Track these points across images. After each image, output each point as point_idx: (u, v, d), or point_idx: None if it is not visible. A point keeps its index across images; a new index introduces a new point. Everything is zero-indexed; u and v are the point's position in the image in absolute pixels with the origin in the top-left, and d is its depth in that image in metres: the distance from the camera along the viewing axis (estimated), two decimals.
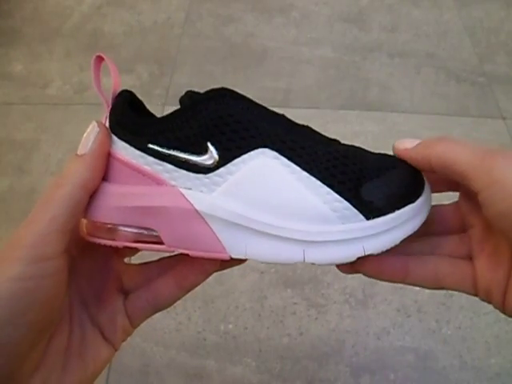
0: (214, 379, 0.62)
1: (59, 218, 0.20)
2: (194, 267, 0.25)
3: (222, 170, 0.22)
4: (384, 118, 0.88)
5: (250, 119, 0.22)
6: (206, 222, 0.22)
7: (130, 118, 0.24)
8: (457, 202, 0.26)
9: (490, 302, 0.23)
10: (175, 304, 0.72)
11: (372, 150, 0.26)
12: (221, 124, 0.22)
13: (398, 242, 0.23)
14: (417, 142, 0.23)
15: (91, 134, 0.22)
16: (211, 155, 0.22)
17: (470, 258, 0.24)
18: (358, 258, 0.22)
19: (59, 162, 0.85)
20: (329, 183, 0.22)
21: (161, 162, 0.22)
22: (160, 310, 0.27)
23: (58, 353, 0.21)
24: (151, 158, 0.22)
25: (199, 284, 0.26)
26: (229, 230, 0.22)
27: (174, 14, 1.13)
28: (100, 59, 0.24)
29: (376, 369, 0.62)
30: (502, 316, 0.72)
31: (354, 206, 0.22)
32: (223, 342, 0.64)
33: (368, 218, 0.22)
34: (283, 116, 0.25)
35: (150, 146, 0.22)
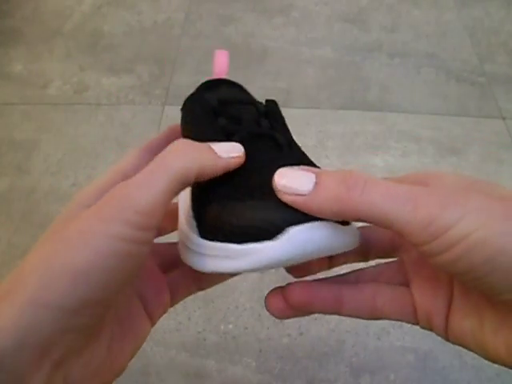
0: (214, 379, 0.62)
1: (169, 195, 0.19)
2: None
3: None
4: (384, 118, 0.88)
5: None
6: None
7: None
8: None
9: (431, 330, 0.22)
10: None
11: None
12: None
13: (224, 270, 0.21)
14: (312, 179, 0.19)
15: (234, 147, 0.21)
16: None
17: (408, 284, 0.22)
18: (287, 287, 0.22)
19: (59, 162, 0.86)
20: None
21: None
22: (203, 289, 0.27)
23: (113, 320, 0.21)
24: None
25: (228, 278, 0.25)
26: None
27: (174, 14, 1.13)
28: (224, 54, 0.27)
29: (376, 369, 0.62)
30: None
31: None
32: (223, 342, 0.64)
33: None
34: None
35: None
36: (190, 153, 0.20)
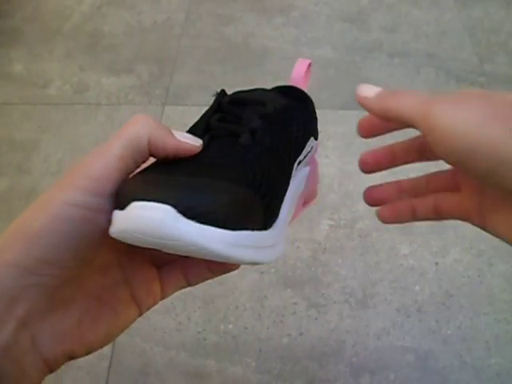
0: (214, 379, 0.62)
1: (124, 159, 0.20)
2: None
3: None
4: None
5: None
6: None
7: None
8: None
9: (474, 224, 0.25)
10: (175, 304, 0.72)
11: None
12: None
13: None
14: (378, 90, 0.25)
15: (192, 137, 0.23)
16: None
17: (457, 189, 0.27)
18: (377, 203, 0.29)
19: (59, 162, 0.86)
20: None
21: None
22: (191, 285, 0.27)
23: (91, 296, 0.23)
24: None
25: (228, 272, 0.26)
26: None
27: (174, 14, 1.13)
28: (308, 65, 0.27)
29: (376, 369, 0.62)
30: (502, 316, 0.72)
31: None
32: (223, 342, 0.64)
33: None
34: None
35: None
36: (144, 122, 0.21)
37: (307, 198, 0.30)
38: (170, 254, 0.22)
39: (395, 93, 0.24)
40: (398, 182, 0.29)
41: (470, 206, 0.25)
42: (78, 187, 0.19)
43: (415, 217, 0.28)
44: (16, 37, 1.08)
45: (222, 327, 0.66)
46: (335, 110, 0.89)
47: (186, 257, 0.25)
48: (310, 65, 0.28)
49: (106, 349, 0.64)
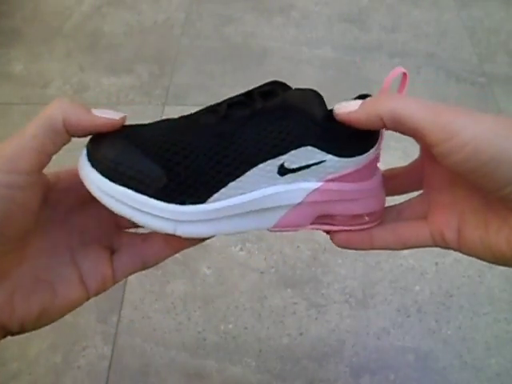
0: (214, 379, 0.62)
1: (38, 138, 0.22)
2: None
3: None
4: None
5: None
6: None
7: None
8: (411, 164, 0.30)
9: (446, 246, 0.26)
10: (175, 304, 0.72)
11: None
12: None
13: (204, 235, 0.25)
14: (358, 102, 0.25)
15: (113, 113, 0.25)
16: None
17: (425, 217, 0.27)
18: (329, 232, 0.28)
19: (59, 162, 0.85)
20: None
21: None
22: (147, 268, 0.28)
23: (28, 273, 0.23)
24: None
25: (187, 247, 0.28)
26: None
27: (174, 14, 1.13)
28: (405, 76, 0.26)
29: (376, 369, 0.62)
30: (502, 316, 0.72)
31: None
32: (223, 342, 0.64)
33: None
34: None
35: None
36: (59, 105, 0.23)
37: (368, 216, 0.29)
38: (125, 237, 0.27)
39: (390, 97, 0.23)
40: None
41: (443, 224, 0.26)
42: None
43: (373, 245, 0.28)
44: (16, 37, 1.08)
45: (222, 327, 0.66)
46: None
47: (143, 238, 0.28)
48: (404, 75, 0.26)
49: (106, 349, 0.64)
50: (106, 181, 0.23)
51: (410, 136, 0.23)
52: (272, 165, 0.25)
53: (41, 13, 1.14)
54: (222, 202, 0.25)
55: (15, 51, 1.05)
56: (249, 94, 0.27)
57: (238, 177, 0.24)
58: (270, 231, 0.27)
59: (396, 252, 0.72)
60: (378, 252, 0.77)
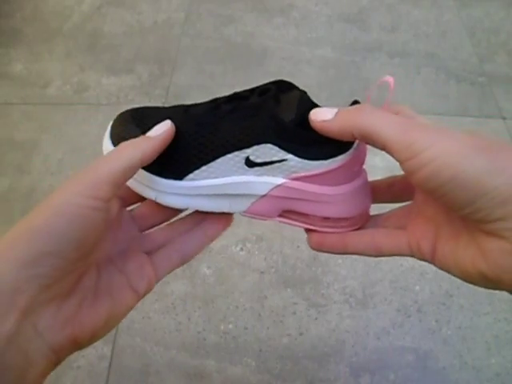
0: (214, 379, 0.62)
1: (115, 173, 0.24)
2: (219, 221, 0.30)
3: None
4: None
5: None
6: None
7: None
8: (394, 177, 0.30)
9: (423, 258, 0.26)
10: (175, 304, 0.72)
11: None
12: None
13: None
14: (334, 111, 0.25)
15: (161, 125, 0.28)
16: None
17: (404, 227, 0.27)
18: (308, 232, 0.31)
19: (59, 162, 0.86)
20: None
21: None
22: (186, 262, 0.31)
23: (89, 286, 0.25)
24: None
25: (220, 235, 0.30)
26: None
27: (174, 14, 1.13)
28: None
29: (376, 369, 0.62)
30: (502, 316, 0.72)
31: None
32: (223, 342, 0.64)
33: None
34: None
35: None
36: (133, 146, 0.26)
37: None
38: (158, 238, 0.31)
39: (360, 111, 0.24)
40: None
41: (420, 236, 0.26)
42: (78, 193, 0.23)
43: (346, 249, 0.28)
44: (16, 37, 1.08)
45: (222, 327, 0.66)
46: None
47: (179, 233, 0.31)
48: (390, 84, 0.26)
49: (106, 349, 0.64)
50: (111, 146, 0.31)
51: (380, 149, 0.24)
52: (239, 156, 0.27)
53: (41, 13, 1.14)
54: (196, 181, 0.28)
55: (15, 51, 1.05)
56: (252, 91, 0.29)
57: (209, 162, 0.28)
58: (242, 215, 0.30)
59: None
60: None
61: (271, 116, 0.27)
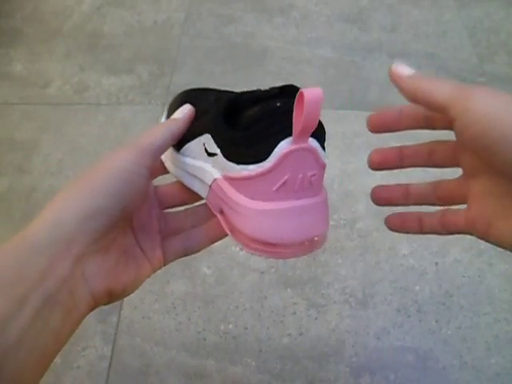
0: (214, 379, 0.62)
1: (154, 146, 0.28)
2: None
3: None
4: None
5: None
6: None
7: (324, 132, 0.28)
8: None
9: (476, 235, 0.26)
10: (175, 304, 0.72)
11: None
12: None
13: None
14: (411, 72, 0.27)
15: (183, 108, 0.31)
16: None
17: (466, 199, 0.27)
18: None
19: (59, 162, 0.86)
20: None
21: None
22: (189, 255, 0.33)
23: (124, 246, 0.28)
24: None
25: (224, 237, 0.32)
26: None
27: (174, 14, 1.13)
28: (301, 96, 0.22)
29: (376, 369, 0.62)
30: (502, 316, 0.72)
31: None
32: (223, 342, 0.64)
33: None
34: None
35: None
36: (161, 132, 0.29)
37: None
38: (172, 223, 0.32)
39: (429, 77, 0.25)
40: (406, 186, 0.30)
41: (475, 215, 0.26)
42: (125, 157, 0.27)
43: (422, 229, 0.29)
44: (16, 37, 1.08)
45: (222, 327, 0.66)
46: (335, 109, 0.89)
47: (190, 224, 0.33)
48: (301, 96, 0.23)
49: (106, 349, 0.64)
50: None
51: (438, 112, 0.24)
52: (200, 142, 0.29)
53: (41, 13, 1.14)
54: (182, 156, 0.31)
55: (15, 51, 1.05)
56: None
57: (188, 142, 0.30)
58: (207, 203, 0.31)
59: (396, 252, 0.72)
60: (377, 252, 0.77)
61: (218, 108, 0.27)
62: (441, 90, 0.23)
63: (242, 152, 0.25)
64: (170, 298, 0.68)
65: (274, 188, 0.24)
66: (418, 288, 0.69)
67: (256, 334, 0.65)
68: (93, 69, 1.01)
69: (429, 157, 0.29)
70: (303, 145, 0.24)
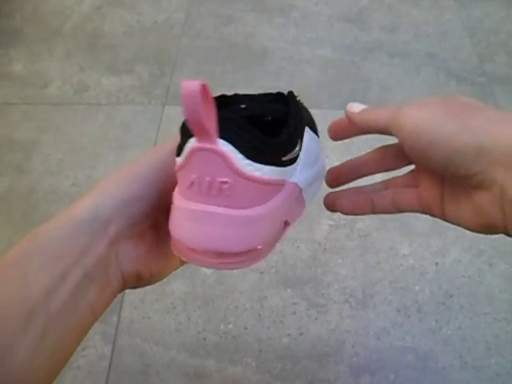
0: (214, 379, 0.62)
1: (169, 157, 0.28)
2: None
3: (300, 153, 0.28)
4: None
5: (301, 108, 0.29)
6: (301, 193, 0.29)
7: (265, 142, 0.24)
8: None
9: (433, 215, 0.29)
10: (175, 304, 0.72)
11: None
12: (300, 123, 0.28)
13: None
14: (362, 107, 0.29)
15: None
16: (299, 146, 0.28)
17: (416, 186, 0.30)
18: (336, 199, 0.32)
19: (59, 162, 0.86)
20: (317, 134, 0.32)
21: (285, 168, 0.26)
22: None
23: (156, 235, 0.29)
24: (284, 168, 0.26)
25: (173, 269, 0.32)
26: (305, 190, 0.29)
27: (174, 14, 1.13)
28: (205, 88, 0.21)
29: (376, 369, 0.62)
30: (502, 316, 0.72)
31: None
32: (223, 342, 0.64)
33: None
34: None
35: (283, 159, 0.26)
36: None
37: None
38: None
39: (374, 107, 0.28)
40: (357, 188, 0.32)
41: (429, 198, 0.28)
42: (160, 154, 0.28)
43: (374, 209, 0.31)
44: (16, 37, 1.09)
45: (222, 327, 0.66)
46: (335, 109, 0.89)
47: None
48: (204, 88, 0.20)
49: (106, 349, 0.64)
50: None
51: (386, 134, 0.27)
52: None
53: (41, 13, 1.14)
54: None
55: (15, 51, 1.05)
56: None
57: None
58: None
59: (396, 252, 0.72)
60: (377, 252, 0.77)
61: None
62: (381, 115, 0.27)
63: (179, 145, 0.24)
64: (170, 298, 0.68)
65: (187, 186, 0.23)
66: (417, 288, 0.69)
67: (256, 334, 0.65)
68: (93, 69, 1.01)
69: (382, 162, 0.32)
70: (207, 145, 0.22)
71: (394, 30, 1.08)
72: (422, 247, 0.73)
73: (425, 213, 0.29)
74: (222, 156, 0.22)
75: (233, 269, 0.25)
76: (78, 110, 0.94)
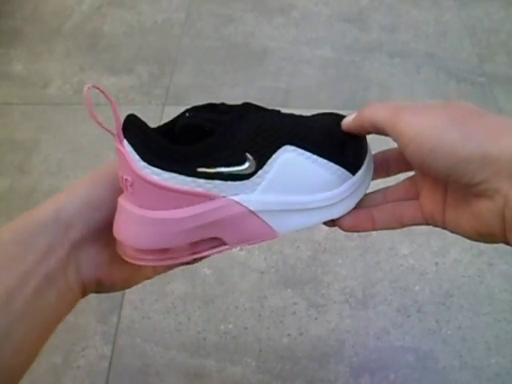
0: (214, 379, 0.62)
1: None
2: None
3: (260, 172, 0.26)
4: None
5: (271, 125, 0.27)
6: (258, 216, 0.27)
7: (166, 149, 0.25)
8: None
9: (436, 225, 0.28)
10: (175, 304, 0.72)
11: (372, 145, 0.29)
12: (254, 135, 0.26)
13: (366, 190, 0.30)
14: (354, 114, 0.28)
15: None
16: (251, 163, 0.26)
17: (417, 197, 0.29)
18: (334, 220, 0.30)
19: (59, 162, 0.86)
20: (329, 157, 0.28)
21: (210, 181, 0.25)
22: (197, 262, 0.31)
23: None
24: (202, 180, 0.25)
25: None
26: (274, 216, 0.27)
27: (174, 14, 1.13)
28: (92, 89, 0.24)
29: (376, 369, 0.62)
30: (502, 316, 0.72)
31: (346, 169, 0.29)
32: (223, 342, 0.64)
33: (353, 174, 0.29)
34: (279, 112, 0.29)
35: (200, 169, 0.25)
36: None
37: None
38: None
39: (368, 106, 0.27)
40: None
41: (431, 206, 0.28)
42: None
43: (375, 226, 0.30)
44: (16, 37, 1.08)
45: (222, 327, 0.66)
46: (335, 110, 0.89)
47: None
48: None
49: (106, 349, 0.64)
50: None
51: (381, 133, 0.26)
52: None
53: (41, 13, 1.14)
54: None
55: (15, 51, 1.05)
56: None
57: None
58: None
59: (396, 252, 0.72)
60: (377, 252, 0.77)
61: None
62: (379, 115, 0.26)
63: None
64: (170, 298, 0.68)
65: (119, 185, 0.26)
66: (417, 288, 0.69)
67: (256, 333, 0.65)
68: (93, 69, 1.01)
69: (383, 166, 0.31)
70: (117, 145, 0.24)
71: (394, 29, 1.08)
72: (422, 247, 0.73)
73: (428, 224, 0.28)
74: (123, 155, 0.24)
75: (153, 265, 0.27)
76: (78, 110, 0.94)
